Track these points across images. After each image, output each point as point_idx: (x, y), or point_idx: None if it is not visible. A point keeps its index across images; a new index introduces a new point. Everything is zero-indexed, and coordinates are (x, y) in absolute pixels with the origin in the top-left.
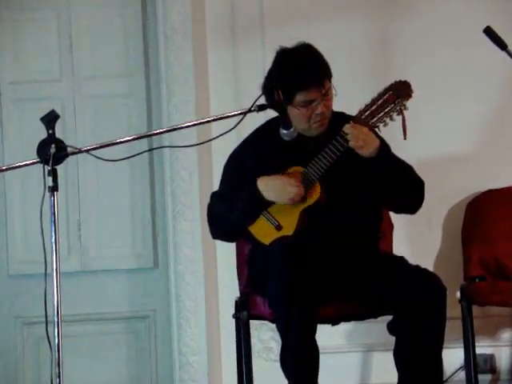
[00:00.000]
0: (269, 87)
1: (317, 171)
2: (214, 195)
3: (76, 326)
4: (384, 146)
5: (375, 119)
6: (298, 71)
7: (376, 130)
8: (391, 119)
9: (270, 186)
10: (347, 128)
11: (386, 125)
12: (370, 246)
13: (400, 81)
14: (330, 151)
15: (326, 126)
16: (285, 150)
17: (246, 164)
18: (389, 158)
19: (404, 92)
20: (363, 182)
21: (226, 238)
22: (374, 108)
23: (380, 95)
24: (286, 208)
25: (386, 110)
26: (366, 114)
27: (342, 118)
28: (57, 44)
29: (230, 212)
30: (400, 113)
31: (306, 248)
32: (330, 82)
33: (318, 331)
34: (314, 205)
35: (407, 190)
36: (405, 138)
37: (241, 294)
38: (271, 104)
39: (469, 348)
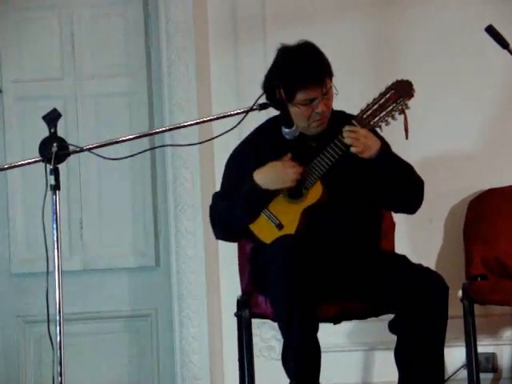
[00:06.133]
0: (270, 86)
1: (318, 170)
2: (215, 196)
3: (78, 324)
4: (384, 147)
5: (377, 118)
6: (299, 69)
7: (377, 129)
8: (393, 118)
9: (269, 175)
10: (346, 132)
11: (387, 124)
12: (371, 244)
13: (402, 80)
14: (331, 150)
15: (326, 125)
16: (285, 148)
17: (247, 163)
18: (389, 158)
19: (406, 91)
20: (364, 181)
21: (230, 238)
22: (375, 107)
23: (382, 94)
24: (287, 207)
25: (388, 109)
26: (368, 113)
27: (342, 117)
28: (59, 43)
29: (232, 210)
30: (402, 112)
31: (308, 247)
32: (331, 81)
33: (319, 330)
34: (315, 204)
35: (407, 190)
36: (407, 138)
37: (242, 292)
38: (273, 103)
39: (470, 347)
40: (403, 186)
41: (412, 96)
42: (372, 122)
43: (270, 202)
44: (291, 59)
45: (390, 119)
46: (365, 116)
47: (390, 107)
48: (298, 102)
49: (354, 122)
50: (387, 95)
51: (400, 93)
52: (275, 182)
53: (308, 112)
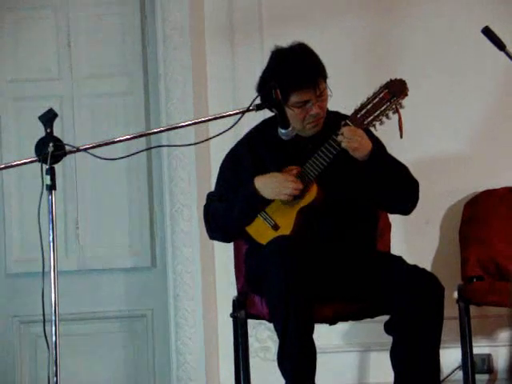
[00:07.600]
0: (266, 87)
1: (313, 170)
2: (210, 196)
3: (73, 324)
4: (377, 149)
5: (371, 118)
6: (292, 72)
7: (372, 128)
8: (387, 118)
9: (268, 184)
10: (343, 129)
11: (382, 123)
12: (367, 245)
13: (396, 79)
14: (326, 151)
15: (321, 126)
16: (281, 149)
17: (242, 164)
18: (382, 160)
19: (400, 90)
20: (359, 182)
21: (224, 239)
22: (369, 107)
23: (375, 94)
24: (282, 208)
25: (382, 108)
26: (362, 112)
27: (337, 117)
28: (55, 42)
29: (228, 212)
30: (396, 111)
31: (303, 248)
32: (325, 82)
33: (315, 331)
34: (310, 204)
35: (401, 191)
36: (401, 137)
37: (238, 293)
38: (269, 104)
39: (466, 348)
40: (397, 187)
41: (406, 95)
42: (366, 122)
43: (267, 205)
44: (284, 62)
45: (384, 118)
46: (359, 115)
47: (384, 106)
48: (292, 104)
49: (348, 121)
50: (381, 94)
51: (393, 92)
52: (271, 192)
53: (302, 114)
